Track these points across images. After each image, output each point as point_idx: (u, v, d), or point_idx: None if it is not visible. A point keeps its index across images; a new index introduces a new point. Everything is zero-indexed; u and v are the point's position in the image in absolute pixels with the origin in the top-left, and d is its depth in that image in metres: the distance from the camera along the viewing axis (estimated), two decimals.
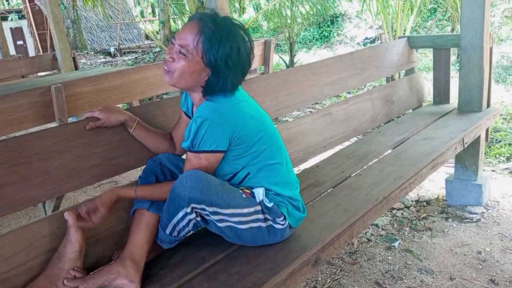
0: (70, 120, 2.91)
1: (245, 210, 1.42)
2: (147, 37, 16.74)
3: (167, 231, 1.47)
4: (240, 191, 1.45)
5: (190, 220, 1.42)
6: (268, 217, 1.46)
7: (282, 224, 1.49)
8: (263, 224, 1.46)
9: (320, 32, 12.75)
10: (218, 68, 1.37)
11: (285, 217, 1.49)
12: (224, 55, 1.35)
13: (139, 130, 1.63)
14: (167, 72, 1.41)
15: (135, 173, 3.66)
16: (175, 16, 11.76)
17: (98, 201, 1.40)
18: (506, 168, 3.57)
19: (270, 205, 1.46)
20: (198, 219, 1.43)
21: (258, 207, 1.45)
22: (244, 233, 1.46)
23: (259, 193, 1.46)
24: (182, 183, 1.35)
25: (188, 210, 1.38)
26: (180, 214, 1.40)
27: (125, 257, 1.40)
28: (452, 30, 8.88)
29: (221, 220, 1.42)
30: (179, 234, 1.47)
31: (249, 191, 1.47)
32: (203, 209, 1.38)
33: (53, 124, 2.91)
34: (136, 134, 1.64)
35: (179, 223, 1.43)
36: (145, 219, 1.48)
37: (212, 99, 1.43)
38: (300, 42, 12.32)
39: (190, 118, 1.63)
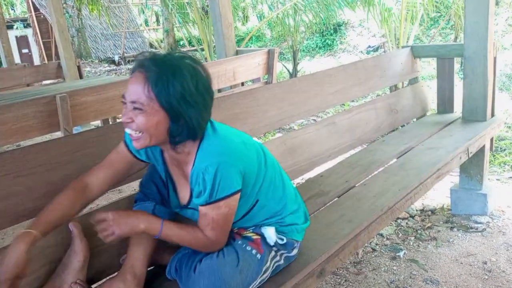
0: (75, 129, 2.92)
1: (264, 268, 1.37)
2: (151, 46, 16.84)
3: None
4: (250, 248, 1.37)
5: None
6: (282, 252, 1.44)
7: (296, 248, 1.48)
8: (280, 262, 1.44)
9: (323, 40, 12.80)
10: (177, 110, 1.21)
11: (296, 241, 1.47)
12: (177, 93, 1.19)
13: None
14: (135, 138, 1.24)
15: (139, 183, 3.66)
16: (179, 25, 11.83)
17: (116, 229, 1.26)
18: (511, 177, 3.56)
19: (284, 241, 1.42)
20: None
21: (272, 253, 1.41)
22: (265, 279, 1.41)
23: (270, 235, 1.40)
24: None
25: None
26: None
27: (126, 272, 1.39)
28: (456, 38, 8.90)
29: None
30: None
31: (259, 237, 1.40)
32: None
33: (58, 133, 2.92)
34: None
35: None
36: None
37: (205, 145, 1.29)
38: (303, 50, 12.36)
39: (134, 156, 1.42)
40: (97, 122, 5.27)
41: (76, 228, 1.40)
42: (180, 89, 1.19)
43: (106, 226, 1.26)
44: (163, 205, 1.48)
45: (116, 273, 1.46)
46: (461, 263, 2.38)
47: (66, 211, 1.32)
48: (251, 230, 1.43)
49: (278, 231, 1.43)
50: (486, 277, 2.25)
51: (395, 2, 6.61)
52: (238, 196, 1.30)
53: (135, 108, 1.21)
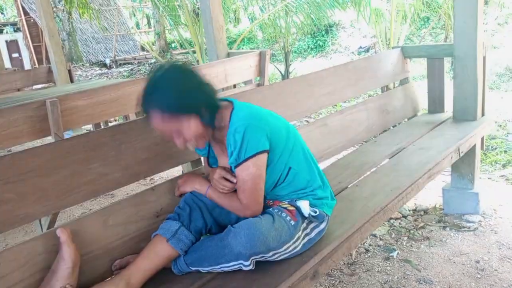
0: (66, 134, 2.90)
1: (296, 237, 1.49)
2: (142, 49, 16.79)
3: (194, 269, 1.47)
4: (285, 214, 1.49)
5: (238, 267, 1.43)
6: (313, 225, 1.55)
7: (325, 221, 1.61)
8: (311, 235, 1.55)
9: (314, 41, 12.84)
10: (188, 106, 1.40)
11: (326, 214, 1.60)
12: (175, 98, 1.38)
13: None
14: (197, 148, 1.55)
15: (131, 187, 3.65)
16: (170, 28, 11.81)
17: (181, 186, 1.67)
18: (502, 176, 3.58)
19: (317, 213, 1.55)
20: (250, 267, 1.42)
21: (304, 224, 1.52)
22: (299, 252, 1.52)
23: (305, 207, 1.53)
24: (242, 242, 1.37)
25: (247, 263, 1.40)
26: (232, 263, 1.42)
27: (121, 278, 1.39)
28: (446, 38, 8.97)
29: (278, 257, 1.46)
30: (204, 271, 1.48)
31: (294, 208, 1.52)
32: (262, 256, 1.42)
33: (49, 138, 2.90)
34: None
35: (220, 268, 1.44)
36: (159, 248, 1.48)
37: (236, 112, 1.49)
38: (295, 51, 12.39)
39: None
40: (89, 126, 5.24)
41: (63, 234, 1.39)
42: (174, 95, 1.37)
43: (178, 183, 1.68)
44: (188, 228, 1.54)
45: (110, 278, 1.45)
46: (454, 262, 2.40)
47: None
48: (286, 202, 1.56)
49: (311, 204, 1.56)
50: (479, 276, 2.26)
51: (385, 3, 6.63)
52: (265, 156, 1.47)
53: (173, 135, 1.43)
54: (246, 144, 1.42)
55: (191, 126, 1.41)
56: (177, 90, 1.38)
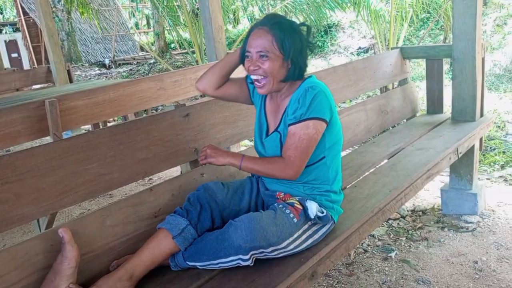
0: (65, 134, 2.90)
1: (295, 235, 1.49)
2: (142, 49, 16.78)
3: (191, 264, 1.48)
4: (288, 211, 1.50)
5: (236, 263, 1.43)
6: (316, 227, 1.55)
7: (329, 225, 1.61)
8: (314, 237, 1.55)
9: (314, 42, 12.84)
10: (293, 56, 1.51)
11: (332, 218, 1.62)
12: (295, 44, 1.50)
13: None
14: (261, 84, 1.54)
15: (130, 188, 3.65)
16: (169, 28, 11.81)
17: (208, 157, 1.58)
18: (501, 176, 3.59)
19: (323, 214, 1.55)
20: (248, 262, 1.42)
21: (306, 226, 1.52)
22: (301, 250, 1.52)
23: (313, 208, 1.52)
24: (242, 235, 1.38)
25: (246, 257, 1.40)
26: (231, 258, 1.42)
27: (125, 271, 1.41)
28: (445, 39, 8.97)
29: (278, 254, 1.46)
30: (201, 266, 1.48)
31: (301, 208, 1.53)
32: (262, 252, 1.42)
33: (48, 139, 2.90)
34: None
35: (218, 264, 1.44)
36: (164, 244, 1.48)
37: (312, 78, 1.59)
38: None
39: (247, 87, 1.75)
40: (88, 127, 5.24)
41: (66, 234, 1.39)
42: (296, 41, 1.51)
43: (204, 153, 1.58)
44: (195, 227, 1.54)
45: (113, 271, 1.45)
46: (452, 263, 2.40)
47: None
48: (297, 199, 1.56)
49: (322, 205, 1.58)
50: (477, 276, 2.27)
51: (384, 3, 6.64)
52: (324, 125, 1.52)
53: (261, 56, 1.50)
54: (315, 105, 1.48)
55: (278, 65, 1.50)
56: (301, 43, 1.53)
